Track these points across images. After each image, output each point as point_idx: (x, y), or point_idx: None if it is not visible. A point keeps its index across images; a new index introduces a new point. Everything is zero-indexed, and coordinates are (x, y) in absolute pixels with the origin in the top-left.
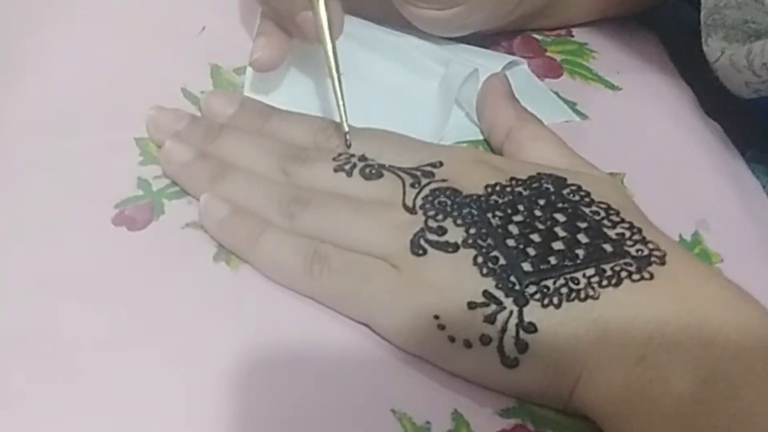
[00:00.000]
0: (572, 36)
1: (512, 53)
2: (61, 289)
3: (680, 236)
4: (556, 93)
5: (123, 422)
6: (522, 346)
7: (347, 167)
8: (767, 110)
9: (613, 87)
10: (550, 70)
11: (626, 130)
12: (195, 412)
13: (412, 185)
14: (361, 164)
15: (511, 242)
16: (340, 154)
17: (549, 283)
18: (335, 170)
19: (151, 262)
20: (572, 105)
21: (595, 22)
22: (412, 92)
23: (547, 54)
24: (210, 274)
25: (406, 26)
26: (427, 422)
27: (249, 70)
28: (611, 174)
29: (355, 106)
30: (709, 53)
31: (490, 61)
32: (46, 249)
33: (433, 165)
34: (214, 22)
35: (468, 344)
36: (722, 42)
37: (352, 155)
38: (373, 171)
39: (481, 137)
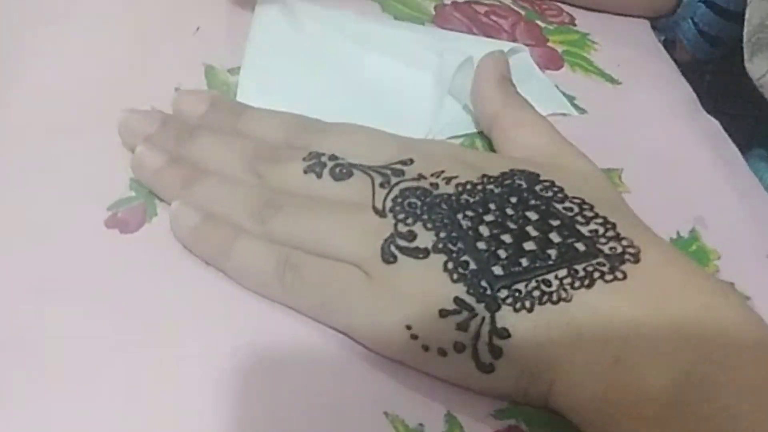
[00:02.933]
0: (575, 25)
1: (515, 41)
2: (53, 293)
3: (678, 233)
4: (556, 86)
5: (115, 425)
6: (496, 352)
7: (317, 168)
8: None
9: (612, 81)
10: (551, 61)
11: (624, 125)
12: (188, 414)
13: (382, 185)
14: (331, 164)
15: (481, 245)
16: (310, 153)
17: (521, 286)
18: (305, 171)
19: (143, 265)
20: (571, 99)
21: (598, 15)
22: (404, 86)
23: (549, 44)
24: (203, 276)
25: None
26: (420, 424)
27: (242, 72)
28: (609, 169)
29: (346, 101)
30: (753, 70)
31: (490, 51)
32: (38, 252)
33: (403, 162)
34: (208, 23)
35: (443, 352)
36: None
37: (323, 154)
38: (344, 170)
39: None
